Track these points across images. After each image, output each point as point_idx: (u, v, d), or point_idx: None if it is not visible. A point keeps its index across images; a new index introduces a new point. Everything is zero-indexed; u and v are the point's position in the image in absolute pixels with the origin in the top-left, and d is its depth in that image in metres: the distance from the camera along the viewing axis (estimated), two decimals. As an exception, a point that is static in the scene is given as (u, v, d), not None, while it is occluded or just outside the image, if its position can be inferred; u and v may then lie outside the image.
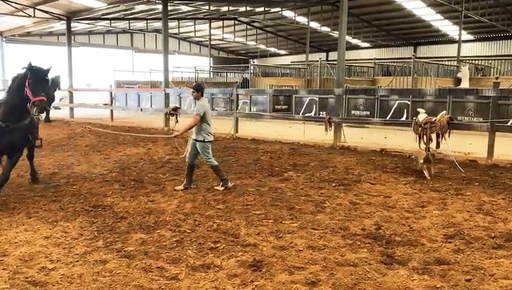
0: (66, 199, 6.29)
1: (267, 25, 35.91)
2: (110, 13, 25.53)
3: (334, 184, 7.16)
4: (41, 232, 4.88)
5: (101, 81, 30.79)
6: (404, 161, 9.13)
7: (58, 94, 19.66)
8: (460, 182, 7.29)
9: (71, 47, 22.96)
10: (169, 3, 20.37)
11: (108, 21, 28.97)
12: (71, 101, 22.08)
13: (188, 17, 32.40)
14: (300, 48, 39.53)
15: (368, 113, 17.25)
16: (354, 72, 26.17)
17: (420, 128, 9.19)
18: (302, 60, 34.36)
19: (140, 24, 32.53)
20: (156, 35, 38.07)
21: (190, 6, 25.34)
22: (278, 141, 12.22)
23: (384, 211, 5.67)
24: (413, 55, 20.38)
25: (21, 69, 5.90)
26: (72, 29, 27.03)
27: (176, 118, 13.55)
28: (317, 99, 18.73)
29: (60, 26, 27.91)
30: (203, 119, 6.71)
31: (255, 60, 38.87)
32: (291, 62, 37.85)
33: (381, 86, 20.79)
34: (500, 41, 33.88)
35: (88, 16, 23.71)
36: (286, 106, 21.10)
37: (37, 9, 20.81)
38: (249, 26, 36.96)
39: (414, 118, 9.86)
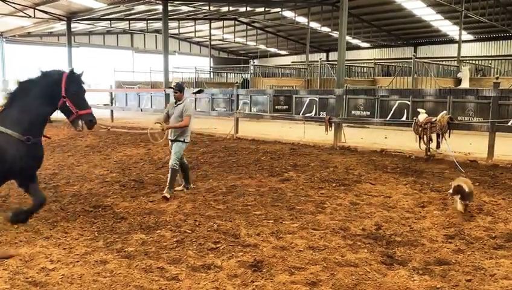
0: (66, 199, 6.28)
1: (267, 25, 35.92)
2: (110, 14, 25.58)
3: (334, 184, 7.15)
4: (41, 232, 4.87)
5: (101, 81, 30.76)
6: (404, 161, 9.11)
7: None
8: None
9: (71, 47, 23.04)
10: (169, 4, 20.42)
11: (109, 21, 29.01)
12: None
13: (188, 17, 32.43)
14: (301, 48, 39.50)
15: (368, 113, 17.26)
16: (354, 72, 26.16)
17: (420, 129, 9.21)
18: (303, 60, 34.38)
19: (141, 24, 32.57)
20: (156, 35, 38.08)
21: (190, 6, 25.35)
22: (278, 141, 12.22)
23: (384, 211, 5.66)
24: (414, 55, 20.37)
25: (39, 72, 5.07)
26: (72, 30, 27.11)
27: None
28: (317, 99, 18.75)
29: (60, 26, 27.97)
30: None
31: (255, 61, 38.85)
32: (292, 62, 37.88)
33: (381, 86, 20.79)
34: (500, 41, 33.85)
35: (88, 17, 23.77)
36: (286, 106, 21.13)
37: (37, 9, 20.86)
38: (249, 27, 36.96)
39: (414, 118, 9.88)
